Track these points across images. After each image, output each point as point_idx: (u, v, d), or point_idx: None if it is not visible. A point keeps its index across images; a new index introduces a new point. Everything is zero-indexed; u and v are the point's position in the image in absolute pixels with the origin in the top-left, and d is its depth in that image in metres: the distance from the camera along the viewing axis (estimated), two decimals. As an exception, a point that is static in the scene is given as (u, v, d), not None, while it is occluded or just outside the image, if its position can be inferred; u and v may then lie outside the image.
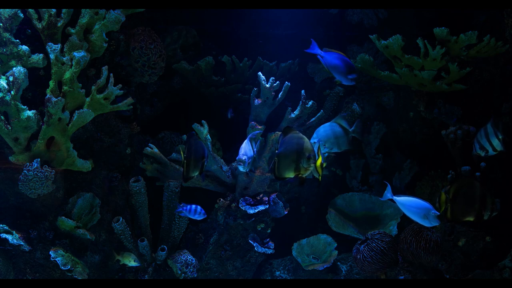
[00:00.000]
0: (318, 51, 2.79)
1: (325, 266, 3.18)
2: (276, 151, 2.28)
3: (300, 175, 2.24)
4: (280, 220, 3.28)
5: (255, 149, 2.62)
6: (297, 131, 2.26)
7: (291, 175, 2.26)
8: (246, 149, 2.56)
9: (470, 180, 2.49)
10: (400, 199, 2.50)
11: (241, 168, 2.52)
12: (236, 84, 3.62)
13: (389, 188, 2.52)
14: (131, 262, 2.92)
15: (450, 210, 2.45)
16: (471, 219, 2.45)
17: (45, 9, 2.54)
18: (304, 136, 2.25)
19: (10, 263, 2.70)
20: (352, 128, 2.76)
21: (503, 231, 2.79)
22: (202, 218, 2.85)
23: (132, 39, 3.02)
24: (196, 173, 2.51)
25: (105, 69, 2.62)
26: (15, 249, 2.67)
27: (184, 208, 2.82)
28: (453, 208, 2.45)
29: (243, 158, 2.50)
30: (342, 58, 2.74)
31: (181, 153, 2.50)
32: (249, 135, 2.65)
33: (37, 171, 2.50)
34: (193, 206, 2.83)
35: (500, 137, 2.54)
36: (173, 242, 3.08)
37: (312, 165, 2.21)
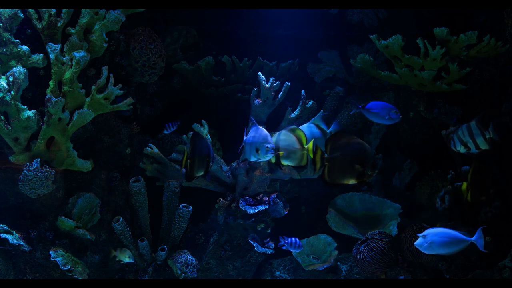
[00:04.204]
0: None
1: (325, 266, 3.18)
2: (326, 155, 2.12)
3: (363, 181, 2.11)
4: (280, 220, 3.28)
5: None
6: (354, 135, 2.13)
7: (351, 181, 2.12)
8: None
9: (480, 161, 2.53)
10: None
11: (270, 155, 2.33)
12: (236, 84, 3.62)
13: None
14: (126, 258, 2.93)
15: (470, 194, 2.50)
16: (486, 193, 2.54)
17: (45, 9, 2.54)
18: (363, 141, 2.12)
19: (10, 263, 2.70)
20: (330, 129, 2.70)
21: (503, 231, 2.79)
22: (299, 250, 2.97)
23: (132, 39, 3.02)
24: (201, 173, 2.42)
25: (105, 69, 2.62)
26: (15, 249, 2.67)
27: (286, 241, 2.92)
28: (473, 192, 2.49)
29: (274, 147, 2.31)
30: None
31: (185, 151, 2.43)
32: (250, 122, 2.49)
33: (37, 171, 2.50)
34: (293, 239, 2.91)
35: (488, 136, 2.55)
36: (173, 242, 3.08)
37: (376, 171, 2.10)
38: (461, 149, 2.64)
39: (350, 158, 2.08)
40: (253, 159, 2.43)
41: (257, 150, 2.38)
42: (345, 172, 2.11)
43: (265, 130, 2.41)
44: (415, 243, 2.53)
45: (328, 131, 2.69)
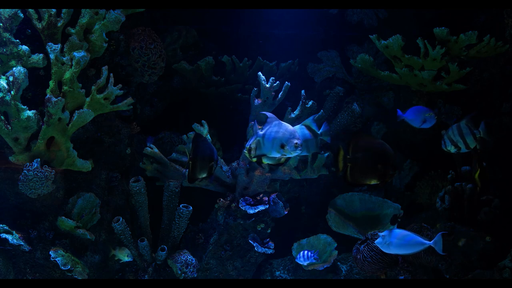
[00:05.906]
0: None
1: (325, 266, 3.18)
2: (348, 156, 2.10)
3: (385, 181, 2.09)
4: (280, 220, 3.28)
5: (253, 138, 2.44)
6: (374, 136, 2.13)
7: (372, 181, 2.12)
8: (299, 133, 2.32)
9: (480, 153, 2.55)
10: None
11: (299, 151, 2.22)
12: (236, 84, 3.62)
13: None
14: (125, 257, 2.93)
15: (480, 186, 2.57)
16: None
17: (45, 9, 2.54)
18: (384, 141, 2.11)
19: (10, 263, 2.70)
20: (320, 131, 2.68)
21: (503, 231, 2.79)
22: (312, 261, 3.11)
23: (132, 39, 3.02)
24: (204, 175, 2.36)
25: (105, 69, 2.62)
26: (15, 249, 2.67)
27: (315, 256, 3.11)
28: (482, 183, 2.51)
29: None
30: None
31: (187, 153, 2.38)
32: (273, 120, 2.33)
33: (37, 171, 2.50)
34: (308, 252, 3.10)
35: (478, 136, 2.56)
36: (173, 242, 3.08)
37: (397, 171, 2.09)
38: (452, 148, 2.65)
39: (373, 158, 2.08)
40: (275, 155, 2.31)
41: (282, 146, 2.25)
42: (367, 172, 2.10)
43: (290, 125, 2.30)
44: (375, 241, 2.59)
45: (318, 132, 2.69)
